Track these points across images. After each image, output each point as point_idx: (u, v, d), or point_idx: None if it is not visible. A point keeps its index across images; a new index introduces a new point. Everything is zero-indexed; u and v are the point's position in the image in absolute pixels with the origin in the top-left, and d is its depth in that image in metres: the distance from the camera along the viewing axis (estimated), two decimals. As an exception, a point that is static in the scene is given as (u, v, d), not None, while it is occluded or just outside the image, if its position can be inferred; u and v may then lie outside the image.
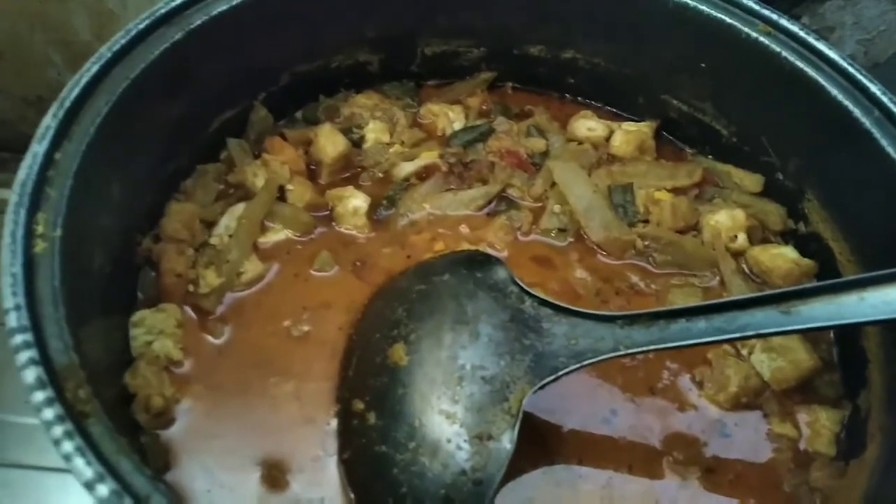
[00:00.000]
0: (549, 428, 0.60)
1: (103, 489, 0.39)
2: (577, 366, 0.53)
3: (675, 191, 0.72)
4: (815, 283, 0.52)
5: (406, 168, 0.74)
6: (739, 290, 0.65)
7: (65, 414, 0.40)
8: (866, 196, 0.62)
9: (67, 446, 0.39)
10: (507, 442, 0.51)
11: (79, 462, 0.40)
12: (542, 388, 0.53)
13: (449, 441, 0.51)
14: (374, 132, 0.76)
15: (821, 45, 0.65)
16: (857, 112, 0.61)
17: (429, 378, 0.54)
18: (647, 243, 0.69)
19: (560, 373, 0.53)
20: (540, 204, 0.73)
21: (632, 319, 0.54)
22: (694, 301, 0.65)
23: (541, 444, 0.59)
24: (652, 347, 0.53)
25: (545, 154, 0.76)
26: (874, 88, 0.61)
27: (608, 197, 0.71)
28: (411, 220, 0.71)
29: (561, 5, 0.75)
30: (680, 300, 0.65)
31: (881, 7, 0.97)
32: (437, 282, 0.60)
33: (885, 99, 0.60)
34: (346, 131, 0.75)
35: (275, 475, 0.56)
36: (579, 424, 0.60)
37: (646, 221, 0.70)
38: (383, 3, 0.75)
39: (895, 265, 0.58)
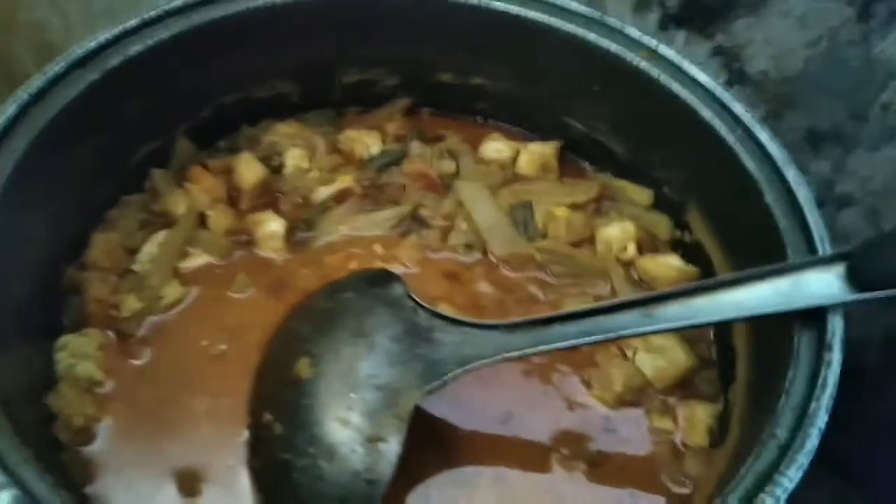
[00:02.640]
0: (449, 433, 0.64)
1: (5, 496, 0.43)
2: (462, 370, 0.57)
3: (575, 206, 0.78)
4: (671, 288, 0.57)
5: (323, 192, 0.78)
6: (627, 297, 0.71)
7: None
8: (734, 208, 0.67)
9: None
10: (395, 443, 0.55)
11: (-19, 474, 0.44)
12: (430, 392, 0.57)
13: (344, 444, 0.56)
14: (293, 159, 0.80)
15: (693, 70, 0.70)
16: (722, 130, 0.67)
17: (328, 389, 0.59)
18: (544, 257, 0.74)
19: (446, 377, 0.57)
20: (449, 223, 0.78)
21: (512, 327, 0.59)
22: (587, 308, 0.71)
23: (441, 449, 0.63)
24: (529, 350, 0.57)
25: (455, 175, 0.81)
26: (738, 108, 0.67)
27: (510, 214, 0.76)
28: (328, 242, 0.76)
29: (465, 36, 0.80)
30: (573, 307, 0.71)
31: (786, 25, 1.03)
32: (340, 299, 0.65)
33: (746, 117, 0.66)
34: (266, 159, 0.79)
35: (191, 485, 0.60)
36: (477, 426, 0.64)
37: (545, 236, 0.76)
38: (300, 37, 0.79)
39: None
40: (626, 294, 0.71)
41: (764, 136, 0.65)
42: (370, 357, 0.59)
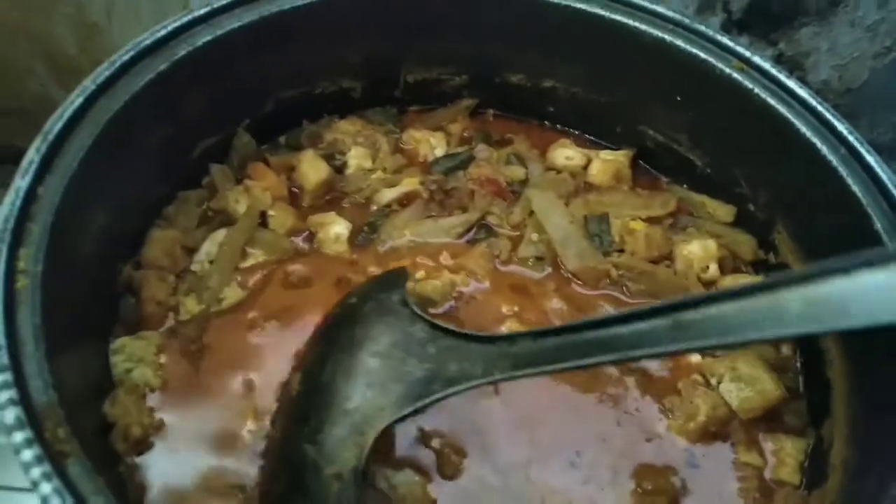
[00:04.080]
0: (518, 477, 0.59)
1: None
2: (443, 393, 0.51)
3: (650, 220, 0.74)
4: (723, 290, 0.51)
5: (387, 194, 0.75)
6: (710, 321, 0.67)
7: (43, 454, 0.41)
8: (832, 231, 0.63)
9: (45, 488, 0.40)
10: (351, 480, 0.49)
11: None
12: (403, 419, 0.51)
13: (307, 479, 0.50)
14: (356, 158, 0.77)
15: (791, 83, 0.66)
16: (824, 149, 0.63)
17: (303, 409, 0.54)
18: (621, 273, 0.70)
19: (419, 403, 0.51)
20: (518, 232, 0.74)
21: (512, 340, 0.52)
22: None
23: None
24: (530, 371, 0.50)
25: (524, 182, 0.77)
26: (841, 127, 0.63)
27: (584, 226, 0.73)
28: (392, 247, 0.73)
29: (540, 36, 0.76)
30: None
31: (854, 34, 0.99)
32: (345, 305, 0.59)
33: (851, 138, 0.62)
34: (328, 157, 0.76)
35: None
36: (546, 457, 0.60)
37: (621, 251, 0.72)
38: (366, 32, 0.76)
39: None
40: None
41: (871, 158, 0.61)
42: (348, 375, 0.53)
